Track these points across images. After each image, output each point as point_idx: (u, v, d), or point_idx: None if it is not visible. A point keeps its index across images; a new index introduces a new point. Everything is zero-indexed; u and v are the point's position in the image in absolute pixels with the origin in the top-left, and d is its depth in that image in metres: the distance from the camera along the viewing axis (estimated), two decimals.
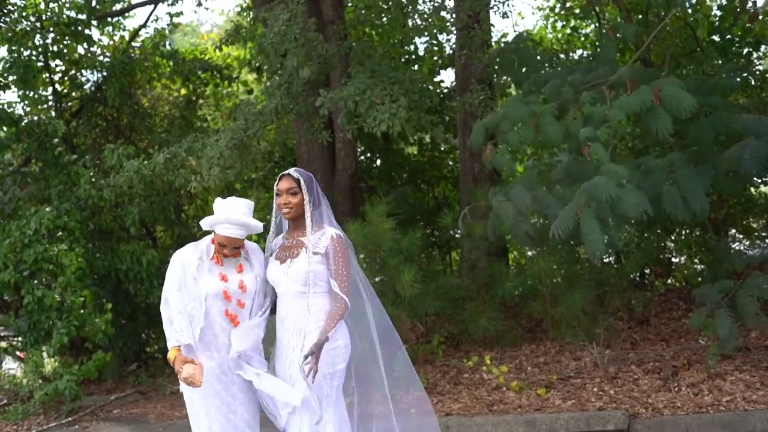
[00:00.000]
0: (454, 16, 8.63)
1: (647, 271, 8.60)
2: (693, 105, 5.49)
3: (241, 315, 3.83)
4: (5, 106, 8.99)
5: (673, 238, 8.54)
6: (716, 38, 8.77)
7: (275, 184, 3.93)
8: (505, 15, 8.78)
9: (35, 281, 7.78)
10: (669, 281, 8.71)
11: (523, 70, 7.03)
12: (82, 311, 7.52)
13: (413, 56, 10.76)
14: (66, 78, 10.11)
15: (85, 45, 9.95)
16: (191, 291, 3.79)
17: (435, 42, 10.49)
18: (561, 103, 6.07)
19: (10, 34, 9.10)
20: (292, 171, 3.91)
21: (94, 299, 7.80)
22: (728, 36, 8.70)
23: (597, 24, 8.74)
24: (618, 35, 6.88)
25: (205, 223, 3.90)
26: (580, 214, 5.41)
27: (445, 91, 10.19)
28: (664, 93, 5.59)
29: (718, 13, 9.14)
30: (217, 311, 3.80)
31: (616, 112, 5.58)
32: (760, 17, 7.47)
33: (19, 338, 8.72)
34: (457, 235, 8.71)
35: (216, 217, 3.85)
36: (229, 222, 3.83)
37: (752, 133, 6.11)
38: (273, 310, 3.97)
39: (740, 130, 6.21)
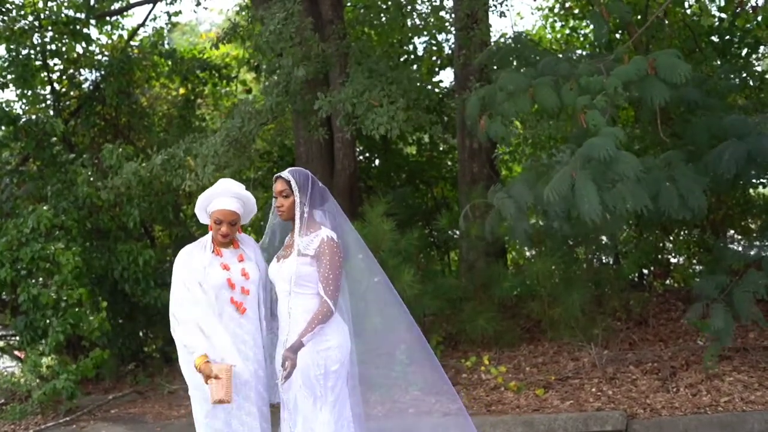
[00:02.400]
0: (453, 16, 8.62)
1: (646, 271, 8.60)
2: (687, 71, 5.47)
3: (246, 302, 3.88)
4: (3, 105, 8.96)
5: (671, 238, 8.54)
6: (715, 39, 8.77)
7: (273, 185, 3.96)
8: (502, 14, 8.77)
9: (32, 280, 7.76)
10: (667, 282, 8.72)
11: (522, 70, 7.01)
12: (77, 309, 7.50)
13: (412, 56, 10.75)
14: (64, 77, 10.07)
15: (84, 44, 9.91)
16: (194, 280, 3.83)
17: (434, 42, 10.48)
18: (557, 77, 6.05)
19: (8, 33, 9.07)
20: (284, 173, 3.91)
21: (90, 297, 7.78)
22: (727, 37, 8.70)
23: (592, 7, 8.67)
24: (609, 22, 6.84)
25: (198, 206, 3.96)
26: (575, 176, 5.32)
27: (445, 90, 10.18)
28: (659, 62, 5.58)
29: (718, 14, 9.16)
30: (224, 300, 3.85)
31: (613, 80, 5.54)
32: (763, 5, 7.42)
33: (16, 337, 8.70)
34: (455, 236, 8.70)
35: (208, 192, 3.93)
36: (222, 193, 3.91)
37: (736, 133, 6.13)
38: None
39: (726, 130, 6.22)
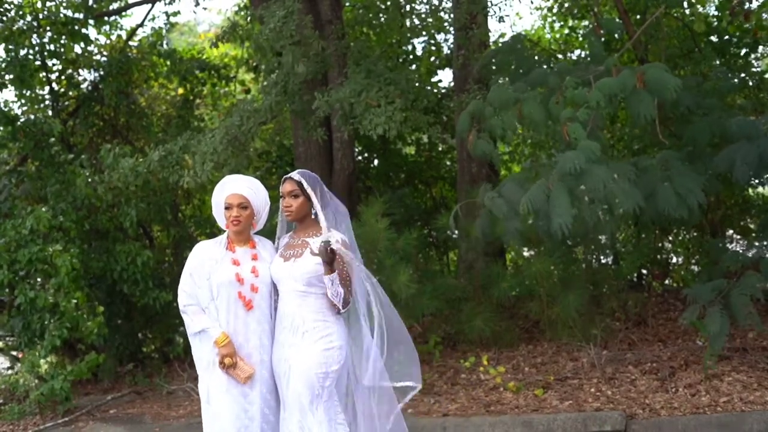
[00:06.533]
0: (452, 16, 8.62)
1: (644, 272, 8.59)
2: (677, 85, 5.45)
3: (255, 300, 3.89)
4: (2, 105, 8.96)
5: (670, 239, 8.54)
6: (714, 39, 8.77)
7: (280, 186, 3.99)
8: (501, 19, 8.79)
9: (30, 281, 7.74)
10: (666, 282, 8.71)
11: (520, 71, 7.01)
12: (75, 313, 7.48)
13: (411, 56, 10.74)
14: (63, 77, 10.06)
15: (82, 44, 9.90)
16: (201, 274, 3.89)
17: (433, 42, 10.47)
18: (546, 90, 6.05)
19: (6, 33, 9.06)
20: (294, 174, 3.97)
21: (86, 301, 7.77)
22: (726, 36, 8.70)
23: (593, 24, 8.74)
24: (603, 32, 6.85)
25: (214, 208, 4.05)
26: (551, 188, 5.38)
27: (443, 91, 10.17)
28: (648, 76, 5.55)
29: (716, 13, 9.15)
30: (231, 297, 3.87)
31: (595, 93, 5.53)
32: (755, 10, 7.44)
33: (14, 338, 8.69)
34: (454, 236, 8.70)
35: (217, 187, 4.01)
36: (230, 180, 4.02)
37: (744, 135, 6.11)
38: None
39: (733, 132, 6.20)
